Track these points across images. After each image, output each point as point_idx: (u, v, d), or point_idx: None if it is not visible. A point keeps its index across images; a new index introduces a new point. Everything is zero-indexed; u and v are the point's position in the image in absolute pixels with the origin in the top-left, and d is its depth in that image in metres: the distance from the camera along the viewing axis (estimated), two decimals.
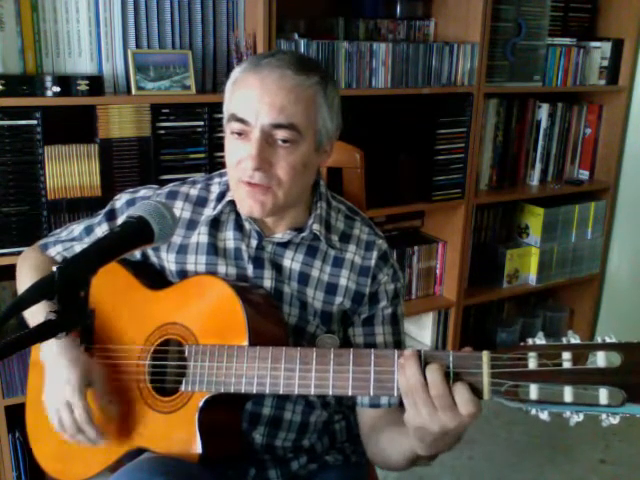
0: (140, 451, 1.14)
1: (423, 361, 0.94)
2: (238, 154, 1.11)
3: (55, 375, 1.14)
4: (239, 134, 1.10)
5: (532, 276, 2.77)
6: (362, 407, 1.21)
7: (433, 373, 0.92)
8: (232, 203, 1.19)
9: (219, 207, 1.21)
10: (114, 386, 1.17)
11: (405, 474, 1.20)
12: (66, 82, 1.77)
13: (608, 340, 0.86)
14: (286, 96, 1.07)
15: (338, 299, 1.20)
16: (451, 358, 0.93)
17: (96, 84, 1.81)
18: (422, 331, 2.66)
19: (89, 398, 1.13)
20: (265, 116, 1.07)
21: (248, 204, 1.12)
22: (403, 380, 0.94)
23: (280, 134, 1.08)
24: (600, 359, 0.85)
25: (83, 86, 1.78)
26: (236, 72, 1.14)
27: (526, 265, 2.76)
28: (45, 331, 0.82)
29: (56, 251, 1.33)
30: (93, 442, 1.14)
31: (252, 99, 1.08)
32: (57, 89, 1.75)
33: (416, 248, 2.53)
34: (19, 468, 1.97)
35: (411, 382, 0.93)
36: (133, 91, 1.88)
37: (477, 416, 0.91)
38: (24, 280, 1.29)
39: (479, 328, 2.85)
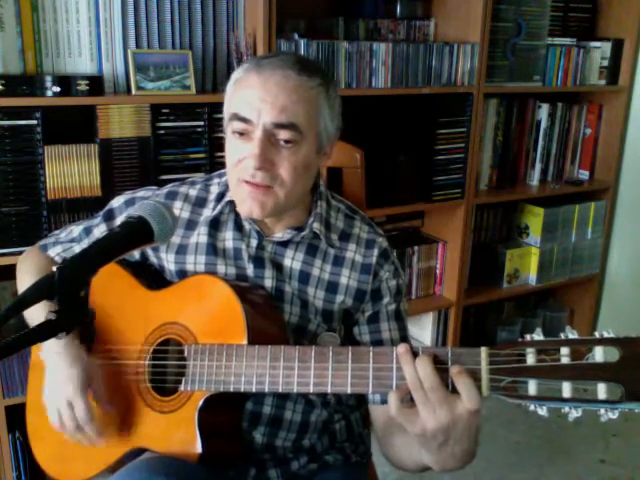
0: (140, 451, 1.13)
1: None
2: (239, 153, 1.10)
3: (56, 374, 1.14)
4: (241, 134, 1.10)
5: (532, 276, 2.77)
6: (374, 404, 1.20)
7: (422, 365, 0.91)
8: (231, 203, 1.19)
9: (219, 207, 1.21)
10: (114, 386, 1.17)
11: (406, 474, 1.19)
12: (66, 82, 1.77)
13: (606, 335, 0.85)
14: (288, 96, 1.07)
15: (339, 297, 1.20)
16: (449, 354, 0.92)
17: (96, 84, 1.81)
18: (422, 331, 2.66)
19: (89, 398, 1.13)
20: (267, 115, 1.07)
21: (248, 205, 1.12)
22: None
23: (282, 134, 1.08)
24: (598, 354, 0.85)
25: (83, 86, 1.78)
26: (238, 72, 1.14)
27: (526, 265, 2.76)
28: (45, 331, 0.82)
29: (55, 252, 1.33)
30: (92, 442, 1.14)
31: (254, 98, 1.08)
32: (57, 89, 1.75)
33: (416, 248, 2.53)
34: (19, 468, 1.97)
35: (409, 380, 0.92)
36: (133, 91, 1.88)
37: (477, 413, 0.90)
38: (24, 280, 1.28)
39: (479, 328, 2.85)
